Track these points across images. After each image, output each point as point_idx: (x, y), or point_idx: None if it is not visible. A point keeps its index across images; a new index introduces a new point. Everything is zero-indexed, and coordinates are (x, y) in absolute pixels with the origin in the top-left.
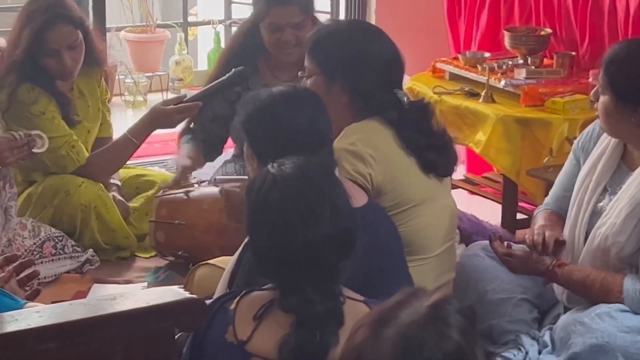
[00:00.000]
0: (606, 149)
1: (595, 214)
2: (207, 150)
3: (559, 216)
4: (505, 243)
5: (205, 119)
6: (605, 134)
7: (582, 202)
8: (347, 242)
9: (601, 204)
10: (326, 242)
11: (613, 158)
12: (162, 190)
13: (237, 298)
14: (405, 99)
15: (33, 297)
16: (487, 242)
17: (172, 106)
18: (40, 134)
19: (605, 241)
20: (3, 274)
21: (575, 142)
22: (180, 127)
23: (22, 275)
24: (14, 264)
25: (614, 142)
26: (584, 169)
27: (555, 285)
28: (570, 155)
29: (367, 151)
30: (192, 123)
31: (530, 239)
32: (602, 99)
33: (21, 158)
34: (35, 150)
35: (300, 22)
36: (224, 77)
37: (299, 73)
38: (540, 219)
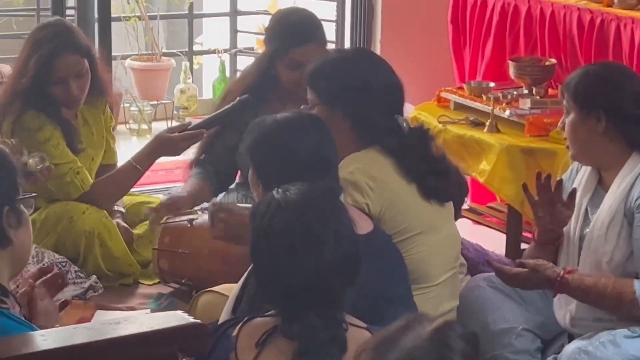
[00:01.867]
0: (582, 178)
1: (583, 239)
2: (219, 181)
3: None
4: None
5: (217, 151)
6: (582, 170)
7: (569, 229)
8: (350, 269)
9: (587, 229)
10: (329, 269)
11: (590, 182)
12: (166, 218)
13: (240, 324)
14: (405, 124)
15: (61, 309)
16: (489, 273)
17: (176, 134)
18: (42, 155)
19: (595, 255)
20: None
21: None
22: (189, 155)
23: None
24: (46, 277)
25: (588, 170)
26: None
27: (557, 309)
28: None
29: (364, 181)
30: (203, 154)
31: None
32: (568, 120)
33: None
34: (29, 164)
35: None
36: (228, 106)
37: (302, 107)
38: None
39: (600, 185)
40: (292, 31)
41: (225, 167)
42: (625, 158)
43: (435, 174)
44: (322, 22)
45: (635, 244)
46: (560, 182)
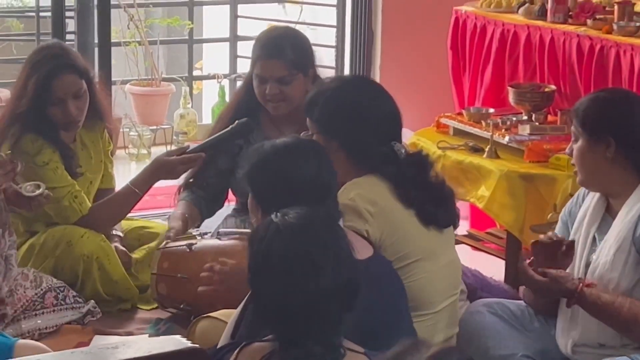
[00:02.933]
0: (590, 205)
1: (589, 265)
2: (208, 205)
3: None
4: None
5: (209, 174)
6: (589, 197)
7: (575, 256)
8: (349, 294)
9: (593, 255)
10: (328, 294)
11: (597, 209)
12: (165, 243)
13: (238, 349)
14: (403, 151)
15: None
16: (489, 299)
17: (175, 157)
18: (38, 184)
19: (601, 280)
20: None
21: (562, 210)
22: (182, 180)
23: None
24: None
25: (596, 197)
26: (573, 228)
27: (559, 336)
28: (558, 223)
29: (365, 207)
30: (192, 178)
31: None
32: (576, 146)
33: (7, 179)
34: (26, 193)
35: (284, 77)
36: (227, 129)
37: (302, 134)
38: None
39: (608, 213)
40: (261, 45)
41: (215, 191)
42: (634, 185)
43: (433, 201)
44: (321, 48)
45: None
46: (560, 241)
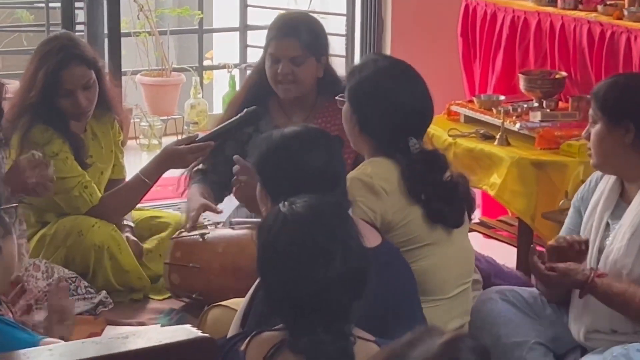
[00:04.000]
0: (604, 190)
1: (602, 251)
2: (217, 191)
3: None
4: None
5: (217, 160)
6: (602, 182)
7: (588, 242)
8: (358, 282)
9: (607, 240)
10: (337, 282)
11: (612, 196)
12: (178, 233)
13: (248, 339)
14: (417, 147)
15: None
16: (502, 286)
17: (184, 146)
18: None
19: (614, 266)
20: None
21: (574, 196)
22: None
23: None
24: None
25: (611, 182)
26: (587, 213)
27: (572, 322)
28: (571, 210)
29: (380, 184)
30: (202, 164)
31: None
32: (594, 130)
33: (41, 179)
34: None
35: (298, 57)
36: (236, 117)
37: (336, 97)
38: None
39: (622, 198)
40: (276, 26)
41: (224, 178)
42: None
43: (443, 200)
44: (331, 36)
45: None
46: (572, 244)
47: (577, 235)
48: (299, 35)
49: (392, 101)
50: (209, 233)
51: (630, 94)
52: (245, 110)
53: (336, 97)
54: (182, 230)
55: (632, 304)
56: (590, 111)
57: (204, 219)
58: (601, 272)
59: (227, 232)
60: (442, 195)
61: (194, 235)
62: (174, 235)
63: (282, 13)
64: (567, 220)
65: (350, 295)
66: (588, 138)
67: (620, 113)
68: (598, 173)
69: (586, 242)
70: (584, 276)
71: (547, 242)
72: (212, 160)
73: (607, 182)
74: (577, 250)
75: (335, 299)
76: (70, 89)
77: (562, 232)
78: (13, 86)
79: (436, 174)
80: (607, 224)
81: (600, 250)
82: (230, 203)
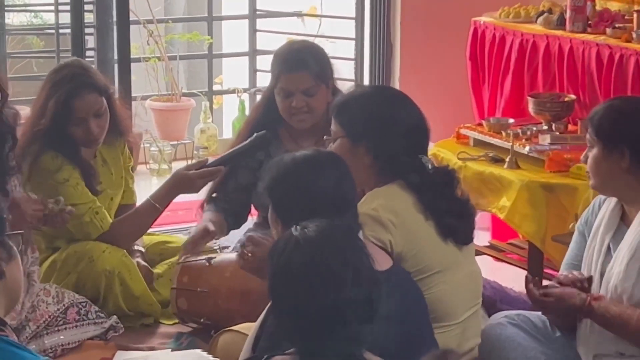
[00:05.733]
0: (605, 214)
1: (604, 275)
2: (231, 219)
3: None
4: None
5: (229, 189)
6: (604, 205)
7: (590, 264)
8: (369, 306)
9: (609, 265)
10: (348, 306)
11: (612, 218)
12: (183, 253)
13: None
14: (430, 165)
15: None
16: (510, 311)
17: (194, 171)
18: (58, 199)
19: (615, 291)
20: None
21: (579, 220)
22: (203, 194)
23: None
24: None
25: (612, 205)
26: (590, 238)
27: (580, 347)
28: (575, 233)
29: (388, 217)
30: (215, 193)
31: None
32: (591, 154)
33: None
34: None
35: (310, 88)
36: (246, 142)
37: (325, 137)
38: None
39: (623, 221)
40: (284, 59)
41: (237, 206)
42: None
43: (454, 214)
44: (340, 61)
45: None
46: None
47: (579, 272)
48: (308, 66)
49: (398, 120)
50: (215, 257)
51: (624, 119)
52: (255, 134)
53: (324, 138)
54: (189, 254)
55: (629, 326)
56: (587, 135)
57: (214, 243)
58: (598, 295)
59: (234, 256)
60: (455, 210)
61: (200, 259)
62: (181, 260)
63: (284, 44)
64: (572, 245)
65: (361, 320)
66: (586, 161)
67: (615, 138)
68: (601, 196)
69: (589, 279)
70: (581, 300)
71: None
72: (224, 188)
73: (608, 205)
74: (580, 287)
75: (346, 323)
76: (82, 117)
77: (567, 257)
78: (24, 113)
79: (451, 188)
80: (609, 248)
81: (602, 274)
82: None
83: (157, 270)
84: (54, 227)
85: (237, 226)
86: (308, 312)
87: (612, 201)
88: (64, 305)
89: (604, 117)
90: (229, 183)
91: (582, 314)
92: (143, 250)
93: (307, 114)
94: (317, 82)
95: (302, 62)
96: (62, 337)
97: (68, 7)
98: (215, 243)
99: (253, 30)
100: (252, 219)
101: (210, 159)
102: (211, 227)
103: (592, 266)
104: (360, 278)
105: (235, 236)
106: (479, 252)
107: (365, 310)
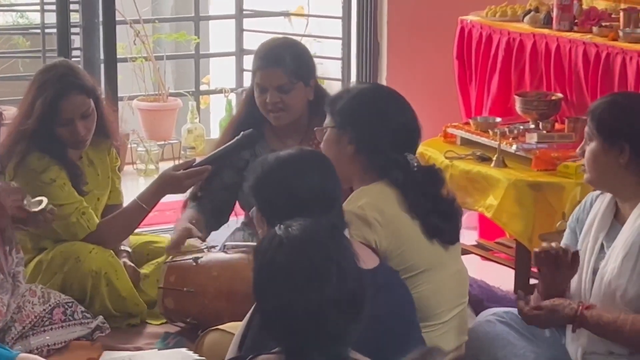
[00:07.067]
0: (598, 211)
1: (596, 272)
2: (213, 218)
3: None
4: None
5: (215, 187)
6: (597, 202)
7: (582, 262)
8: (354, 305)
9: (602, 262)
10: (332, 305)
11: (606, 216)
12: (166, 253)
13: None
14: (415, 163)
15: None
16: (498, 309)
17: (181, 171)
18: (41, 199)
19: (609, 287)
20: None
21: (570, 217)
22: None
23: None
24: None
25: (605, 202)
26: (582, 234)
27: (569, 343)
28: (566, 231)
29: (373, 215)
30: (199, 191)
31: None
32: (589, 147)
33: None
34: (30, 209)
35: (284, 85)
36: (233, 141)
37: (315, 128)
38: None
39: (617, 219)
40: (260, 55)
41: (221, 205)
42: None
43: (439, 214)
44: (327, 60)
45: None
46: (566, 251)
47: (563, 245)
48: (282, 63)
49: (387, 116)
50: (202, 257)
51: (627, 115)
52: (242, 133)
53: (315, 129)
54: (175, 254)
55: (624, 332)
56: (586, 128)
57: (201, 243)
58: (589, 304)
59: (221, 255)
60: (441, 210)
61: (187, 259)
62: (167, 260)
63: (265, 41)
64: (562, 242)
65: (347, 318)
66: (582, 155)
67: (616, 134)
68: (593, 194)
69: (574, 253)
70: (572, 310)
71: (533, 249)
72: (208, 186)
73: (601, 203)
74: (570, 258)
75: (331, 322)
76: (69, 117)
77: None
78: (9, 112)
79: (436, 188)
80: (602, 245)
81: (595, 272)
82: (226, 227)
83: (144, 270)
84: (37, 227)
85: (217, 227)
86: (292, 311)
87: (605, 199)
88: (49, 305)
89: (605, 112)
90: (214, 182)
91: (575, 325)
92: (130, 250)
93: (283, 111)
94: (292, 79)
95: (276, 58)
96: (48, 337)
97: (54, 7)
98: (205, 244)
99: (240, 30)
100: (236, 219)
101: (198, 159)
102: (192, 228)
103: (585, 264)
104: (345, 277)
105: (223, 235)
106: (466, 251)
107: (351, 310)
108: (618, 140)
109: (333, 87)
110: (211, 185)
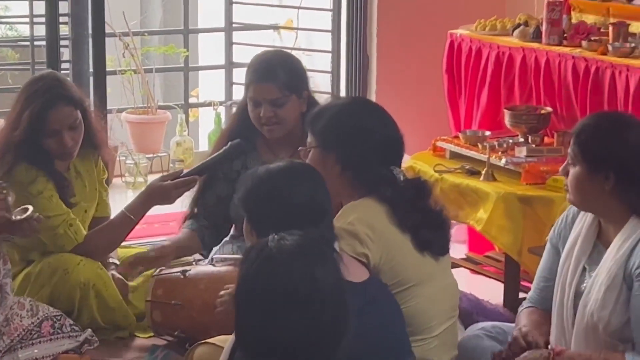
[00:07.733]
0: (581, 230)
1: (579, 296)
2: (211, 233)
3: (541, 314)
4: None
5: (209, 202)
6: (579, 218)
7: (564, 285)
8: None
9: (583, 285)
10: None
11: (589, 238)
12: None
13: None
14: (401, 176)
15: None
16: (486, 323)
17: (169, 182)
18: (26, 207)
19: (592, 318)
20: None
21: (551, 231)
22: (179, 206)
23: None
24: None
25: (588, 222)
26: (564, 254)
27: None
28: (547, 245)
29: (364, 230)
30: (195, 208)
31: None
32: (572, 171)
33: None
34: (14, 217)
35: (278, 99)
36: (220, 151)
37: (299, 148)
38: (523, 318)
39: (600, 240)
40: (254, 68)
41: (218, 219)
42: (628, 216)
43: (429, 226)
44: (317, 73)
45: (633, 312)
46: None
47: (533, 334)
48: (276, 77)
49: (370, 131)
50: (190, 270)
51: (612, 142)
52: (230, 143)
53: (298, 149)
54: (163, 267)
55: None
56: (570, 150)
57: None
58: (560, 349)
59: (209, 268)
60: (431, 222)
61: (175, 272)
62: (155, 273)
63: (258, 54)
64: (544, 257)
65: (334, 331)
66: (566, 175)
67: (601, 161)
68: (574, 208)
69: (546, 343)
70: (543, 358)
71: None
72: (203, 202)
73: (584, 222)
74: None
75: (317, 337)
76: (56, 129)
77: (539, 272)
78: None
79: (424, 200)
80: (584, 268)
81: (577, 295)
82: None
83: (133, 282)
84: (23, 235)
85: (218, 241)
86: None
87: (587, 217)
88: (38, 318)
89: (590, 138)
90: (208, 196)
91: None
92: (118, 262)
93: (277, 125)
94: (286, 92)
95: (269, 72)
96: (36, 350)
97: (43, 20)
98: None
99: (229, 43)
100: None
101: (185, 170)
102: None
103: (567, 287)
104: (331, 296)
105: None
106: (455, 265)
107: (337, 322)
108: (603, 168)
109: (322, 101)
110: (206, 201)
